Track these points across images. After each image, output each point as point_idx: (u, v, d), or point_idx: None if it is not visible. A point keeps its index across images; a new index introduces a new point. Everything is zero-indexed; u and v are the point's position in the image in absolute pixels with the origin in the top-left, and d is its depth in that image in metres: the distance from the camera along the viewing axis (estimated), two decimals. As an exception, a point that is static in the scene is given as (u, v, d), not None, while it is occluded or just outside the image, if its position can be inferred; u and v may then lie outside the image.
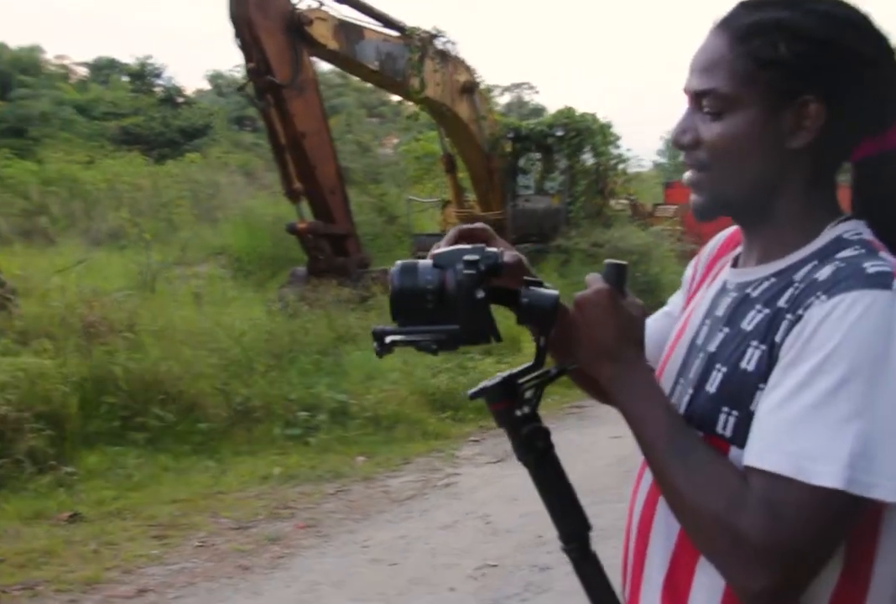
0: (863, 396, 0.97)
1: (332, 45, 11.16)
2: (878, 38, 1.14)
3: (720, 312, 1.21)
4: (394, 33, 12.38)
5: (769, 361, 1.06)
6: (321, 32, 10.90)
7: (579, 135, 14.43)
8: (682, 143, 1.19)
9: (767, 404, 1.03)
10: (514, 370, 1.25)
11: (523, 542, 4.83)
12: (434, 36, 12.81)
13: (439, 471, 6.29)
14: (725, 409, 1.11)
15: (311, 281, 10.38)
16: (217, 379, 7.04)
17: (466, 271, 1.16)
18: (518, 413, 1.22)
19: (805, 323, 1.02)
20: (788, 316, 1.06)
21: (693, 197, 1.21)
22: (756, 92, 1.12)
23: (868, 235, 1.12)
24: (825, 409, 0.97)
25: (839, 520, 0.99)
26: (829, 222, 1.15)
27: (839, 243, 1.11)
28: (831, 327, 0.99)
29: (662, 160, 40.65)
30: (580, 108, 15.01)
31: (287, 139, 10.53)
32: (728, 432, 1.10)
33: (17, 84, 33.01)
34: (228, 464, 6.33)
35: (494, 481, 5.97)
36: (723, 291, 1.24)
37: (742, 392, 1.09)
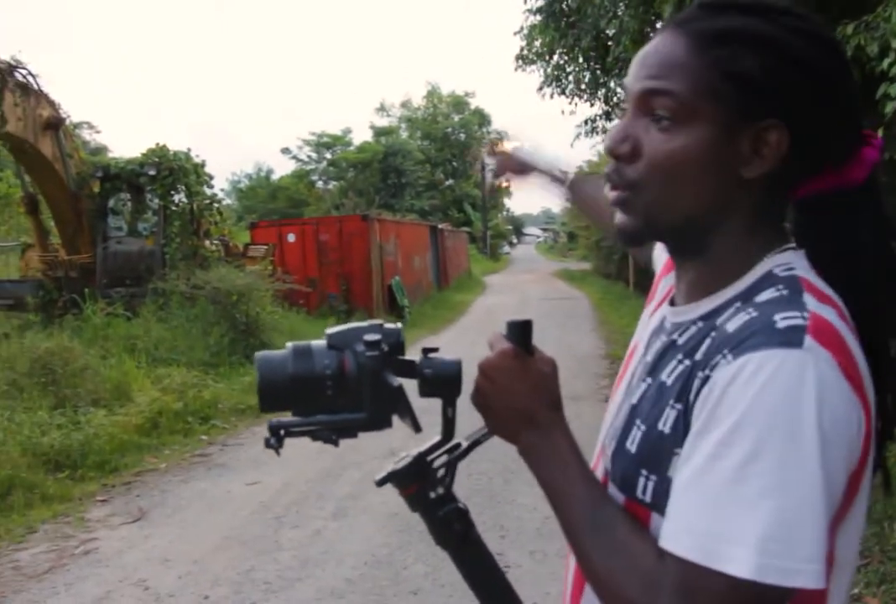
0: (775, 472, 0.84)
1: None
2: (851, 70, 1.02)
3: (650, 356, 1.11)
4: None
5: (684, 424, 0.94)
6: None
7: (172, 174, 14.06)
8: (619, 152, 1.02)
9: (681, 478, 0.91)
10: (422, 448, 1.16)
11: (190, 605, 4.63)
12: (14, 67, 11.86)
13: (73, 537, 5.76)
14: (644, 472, 1.00)
15: None
16: None
17: (369, 353, 1.07)
18: (432, 495, 1.13)
19: (712, 386, 0.90)
20: (700, 374, 0.94)
21: (620, 217, 1.05)
22: (715, 108, 0.97)
23: (802, 269, 1.00)
24: (736, 485, 0.85)
25: None
26: (767, 254, 1.02)
27: (766, 280, 0.99)
28: (737, 393, 0.87)
29: (229, 201, 41.75)
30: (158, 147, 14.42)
31: None
32: (648, 498, 0.99)
33: None
34: None
35: (138, 543, 5.59)
36: (660, 329, 1.14)
37: (659, 456, 0.98)
